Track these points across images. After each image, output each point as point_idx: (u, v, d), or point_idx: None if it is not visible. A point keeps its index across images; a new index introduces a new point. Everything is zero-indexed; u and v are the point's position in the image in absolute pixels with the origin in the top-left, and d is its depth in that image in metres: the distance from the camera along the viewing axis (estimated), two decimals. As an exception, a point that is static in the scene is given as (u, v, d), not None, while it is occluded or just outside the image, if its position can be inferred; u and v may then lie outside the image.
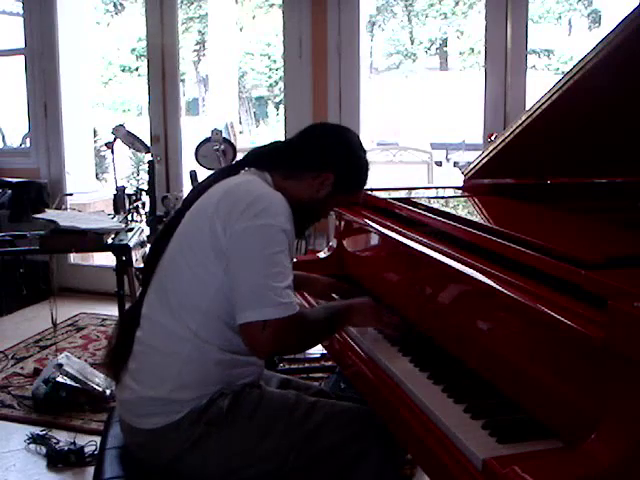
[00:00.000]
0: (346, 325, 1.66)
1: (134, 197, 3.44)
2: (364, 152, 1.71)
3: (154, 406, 1.46)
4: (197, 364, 1.47)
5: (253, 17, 14.30)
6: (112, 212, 3.43)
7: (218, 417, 1.45)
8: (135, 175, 8.63)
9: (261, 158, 1.65)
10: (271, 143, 1.72)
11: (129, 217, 3.32)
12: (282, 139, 1.75)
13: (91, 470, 1.97)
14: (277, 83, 13.52)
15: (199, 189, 1.60)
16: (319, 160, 1.62)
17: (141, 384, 1.49)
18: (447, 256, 1.48)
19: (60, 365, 2.89)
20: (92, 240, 2.85)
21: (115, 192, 3.45)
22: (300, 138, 1.67)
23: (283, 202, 1.49)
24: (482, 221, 1.70)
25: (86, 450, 2.48)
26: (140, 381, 1.50)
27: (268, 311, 1.37)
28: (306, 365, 3.20)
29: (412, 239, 1.66)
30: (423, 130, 10.24)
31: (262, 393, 1.53)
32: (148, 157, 3.67)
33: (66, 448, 2.49)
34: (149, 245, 1.57)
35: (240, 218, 1.43)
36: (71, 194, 4.53)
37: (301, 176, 1.60)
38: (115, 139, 3.46)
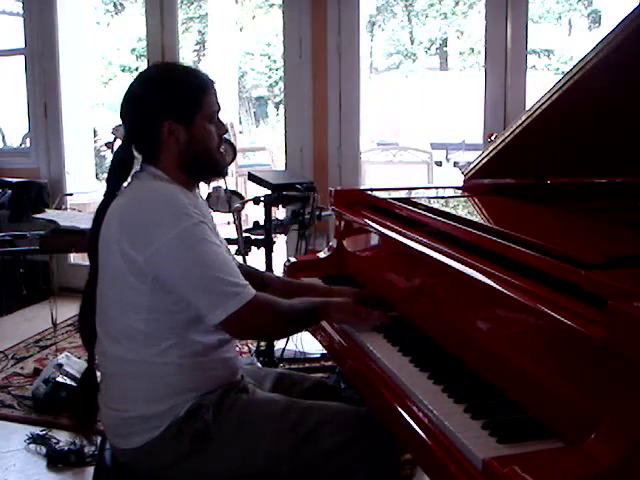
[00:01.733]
0: (325, 319, 1.67)
1: (134, 197, 3.43)
2: (165, 70, 1.58)
3: (133, 425, 1.46)
4: (159, 377, 1.46)
5: (253, 17, 14.29)
6: (112, 212, 3.42)
7: (204, 430, 1.44)
8: (135, 175, 8.61)
9: (124, 167, 1.56)
10: (115, 152, 1.62)
11: (129, 217, 3.31)
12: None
13: (91, 470, 1.97)
14: (277, 83, 13.51)
15: (95, 222, 1.54)
16: (146, 125, 1.50)
17: (112, 407, 1.50)
18: (447, 256, 1.48)
19: (60, 365, 2.89)
20: (92, 240, 2.84)
21: (115, 192, 3.45)
22: (122, 123, 1.56)
23: (178, 193, 1.45)
24: (482, 221, 1.70)
25: (86, 450, 2.47)
26: (110, 405, 1.51)
27: (228, 305, 1.39)
28: (306, 365, 3.20)
29: (412, 239, 1.66)
30: (423, 130, 10.23)
31: (248, 401, 1.52)
32: (148, 157, 3.66)
33: (66, 448, 2.49)
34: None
35: (152, 236, 1.40)
36: (71, 194, 4.53)
37: (157, 148, 1.51)
38: (115, 139, 3.45)
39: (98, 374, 1.60)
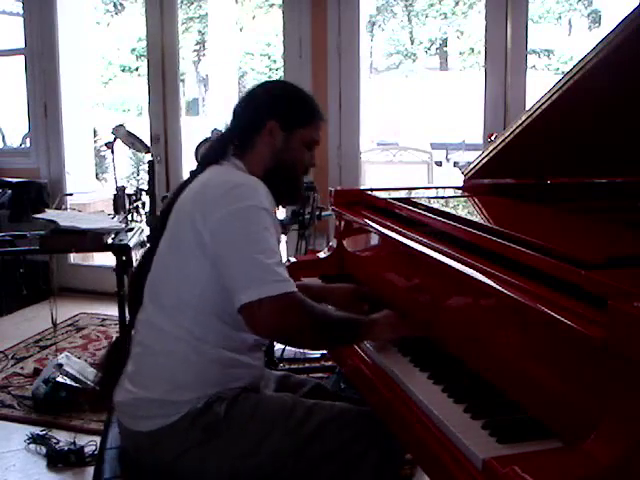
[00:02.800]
0: (370, 337, 1.55)
1: (134, 197, 3.44)
2: (291, 85, 1.67)
3: (150, 408, 1.46)
4: (192, 363, 1.46)
5: (253, 17, 14.29)
6: (112, 212, 3.43)
7: (215, 423, 1.44)
8: (135, 175, 8.63)
9: (215, 155, 1.62)
10: (214, 140, 1.70)
11: (129, 217, 3.32)
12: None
13: (91, 470, 1.97)
14: (277, 83, 13.50)
15: (177, 190, 1.60)
16: (254, 119, 1.59)
17: (138, 386, 1.49)
18: (447, 256, 1.48)
19: (60, 365, 2.89)
20: (92, 240, 2.85)
21: (115, 192, 3.45)
22: (232, 116, 1.66)
23: (257, 183, 1.49)
24: (482, 221, 1.70)
25: (86, 450, 2.48)
26: (137, 383, 1.50)
27: (262, 289, 1.35)
28: (306, 365, 3.20)
29: (412, 239, 1.66)
30: (423, 130, 10.24)
31: (259, 398, 1.52)
32: (148, 157, 3.67)
33: (66, 448, 2.49)
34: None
35: (218, 207, 1.42)
36: (71, 194, 4.53)
37: (253, 143, 1.59)
38: (115, 139, 3.46)
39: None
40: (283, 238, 3.54)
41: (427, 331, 1.57)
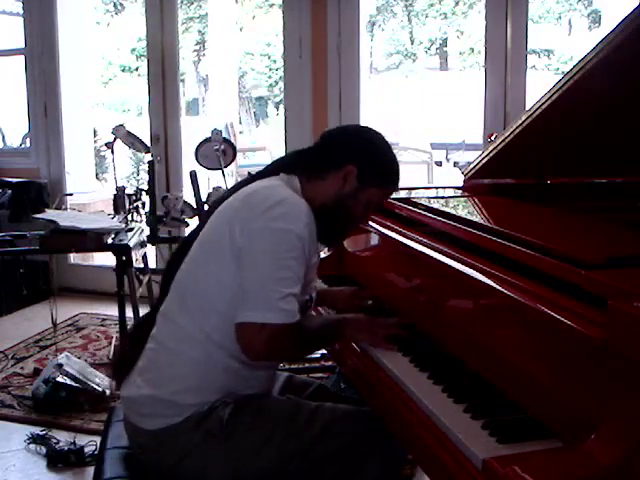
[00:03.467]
0: (339, 339, 1.65)
1: (134, 197, 3.44)
2: (386, 145, 1.65)
3: (156, 406, 1.46)
4: (205, 368, 1.46)
5: (253, 17, 14.29)
6: (112, 212, 3.43)
7: (218, 426, 1.44)
8: (135, 175, 8.62)
9: (283, 165, 1.64)
10: (292, 152, 1.71)
11: (129, 217, 3.32)
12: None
13: (91, 470, 1.97)
14: (277, 83, 13.51)
15: (224, 195, 1.61)
16: (339, 155, 1.59)
17: (146, 382, 1.49)
18: (447, 256, 1.49)
19: (60, 365, 2.89)
20: (92, 240, 2.85)
21: (115, 192, 3.45)
22: (320, 139, 1.65)
23: (305, 208, 1.47)
24: (482, 221, 1.70)
25: (86, 450, 2.48)
26: (146, 379, 1.50)
27: (269, 315, 1.37)
28: (306, 365, 3.19)
29: (412, 239, 1.66)
30: (423, 130, 10.23)
31: (262, 402, 1.52)
32: (148, 157, 3.67)
33: (66, 448, 2.49)
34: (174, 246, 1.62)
35: (258, 218, 1.43)
36: (71, 194, 4.53)
37: (325, 175, 1.58)
38: (115, 139, 3.46)
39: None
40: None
41: (399, 329, 1.59)
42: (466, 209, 1.89)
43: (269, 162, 1.71)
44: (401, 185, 1.67)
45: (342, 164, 1.56)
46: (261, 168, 1.68)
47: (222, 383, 1.48)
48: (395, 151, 1.66)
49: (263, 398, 1.55)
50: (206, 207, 3.16)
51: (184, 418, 1.45)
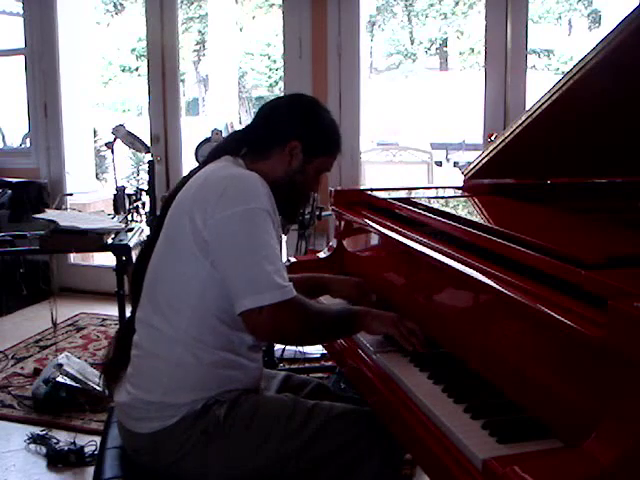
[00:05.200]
0: (361, 328, 1.56)
1: (134, 197, 3.44)
2: (325, 111, 1.64)
3: (149, 410, 1.46)
4: (190, 366, 1.45)
5: (253, 17, 14.30)
6: (112, 212, 3.43)
7: (215, 426, 1.44)
8: (135, 175, 8.63)
9: (226, 149, 1.61)
10: (230, 134, 1.69)
11: (129, 217, 3.32)
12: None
13: (91, 470, 1.97)
14: (277, 83, 13.52)
15: (177, 186, 1.58)
16: (279, 132, 1.56)
17: (137, 387, 1.49)
18: (447, 256, 1.48)
19: (60, 365, 2.89)
20: (92, 240, 2.85)
21: (115, 192, 3.45)
22: (256, 118, 1.63)
23: (260, 181, 1.46)
24: (482, 221, 1.70)
25: (86, 450, 2.48)
26: (136, 385, 1.50)
27: (263, 297, 1.35)
28: (306, 365, 3.20)
29: (412, 239, 1.66)
30: (423, 130, 10.24)
31: (258, 401, 1.51)
32: (148, 157, 3.67)
33: (66, 448, 2.49)
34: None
35: (218, 206, 1.40)
36: (71, 194, 4.54)
37: (269, 154, 1.57)
38: (115, 139, 3.46)
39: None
40: (283, 238, 3.54)
41: (418, 344, 1.51)
42: (466, 209, 1.89)
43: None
44: (401, 185, 1.67)
45: (285, 141, 1.55)
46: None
47: (210, 377, 1.47)
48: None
49: (260, 397, 1.54)
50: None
51: (179, 419, 1.44)
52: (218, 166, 1.55)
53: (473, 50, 13.78)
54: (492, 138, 2.07)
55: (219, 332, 1.46)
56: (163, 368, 1.46)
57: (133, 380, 1.51)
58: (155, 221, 1.61)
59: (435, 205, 1.80)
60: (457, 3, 14.06)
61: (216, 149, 1.63)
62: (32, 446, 2.58)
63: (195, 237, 1.42)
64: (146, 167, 3.68)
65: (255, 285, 1.36)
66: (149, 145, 3.97)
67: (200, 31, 14.07)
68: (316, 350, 3.22)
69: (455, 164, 8.82)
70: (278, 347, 3.15)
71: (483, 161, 2.04)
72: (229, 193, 1.42)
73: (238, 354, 1.49)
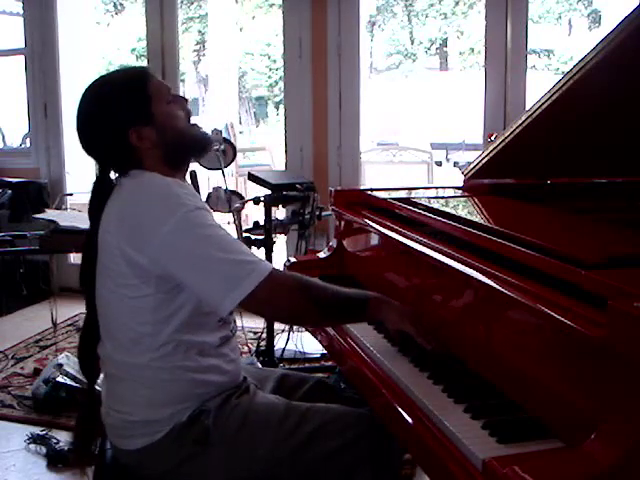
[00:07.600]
0: (376, 316, 1.51)
1: (134, 197, 3.43)
2: (103, 86, 1.49)
3: (135, 428, 1.45)
4: (164, 382, 1.44)
5: (253, 17, 14.30)
6: (112, 212, 3.42)
7: (205, 435, 1.42)
8: (135, 175, 8.60)
9: (105, 187, 1.52)
10: (94, 184, 1.57)
11: (129, 217, 3.31)
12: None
13: (91, 470, 1.97)
14: (277, 83, 13.52)
15: (91, 221, 1.51)
16: (116, 146, 1.47)
17: (116, 410, 1.49)
18: (447, 256, 1.48)
19: (60, 365, 2.89)
20: (92, 240, 2.84)
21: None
22: (86, 149, 1.53)
23: (166, 184, 1.41)
24: (482, 221, 1.70)
25: (86, 450, 2.48)
26: (114, 408, 1.49)
27: (242, 288, 1.32)
28: (306, 365, 3.20)
29: (412, 239, 1.66)
30: (423, 130, 10.23)
31: (248, 406, 1.50)
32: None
33: (66, 448, 2.49)
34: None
35: (151, 235, 1.35)
36: (71, 194, 4.53)
37: (137, 159, 1.47)
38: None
39: (100, 382, 1.59)
40: (283, 238, 3.54)
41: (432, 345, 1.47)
42: (466, 209, 1.89)
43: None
44: (401, 185, 1.67)
45: (127, 143, 1.45)
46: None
47: (188, 386, 1.45)
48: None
49: (251, 400, 1.52)
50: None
51: (166, 432, 1.43)
52: (128, 189, 1.45)
53: (473, 50, 13.78)
54: (492, 138, 2.07)
55: (184, 343, 1.43)
56: (138, 390, 1.45)
57: (111, 403, 1.50)
58: (88, 247, 1.52)
59: (435, 205, 1.80)
60: (457, 3, 14.06)
61: (95, 192, 1.53)
62: (32, 446, 2.58)
63: (132, 269, 1.38)
64: (146, 167, 3.67)
65: (228, 282, 1.33)
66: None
67: (200, 31, 14.06)
68: (316, 350, 3.22)
69: (455, 164, 8.82)
70: (278, 347, 3.15)
71: (483, 161, 2.04)
72: (152, 215, 1.36)
73: (208, 355, 1.47)
